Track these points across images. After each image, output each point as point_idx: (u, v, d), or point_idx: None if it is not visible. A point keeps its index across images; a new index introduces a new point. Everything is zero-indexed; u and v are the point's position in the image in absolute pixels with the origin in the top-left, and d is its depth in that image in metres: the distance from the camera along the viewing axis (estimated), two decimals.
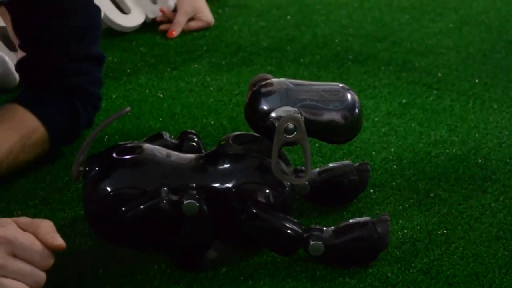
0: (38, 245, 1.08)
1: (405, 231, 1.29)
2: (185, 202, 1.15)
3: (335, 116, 1.21)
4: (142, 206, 1.15)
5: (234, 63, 1.85)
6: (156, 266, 1.20)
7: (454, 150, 1.51)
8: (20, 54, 1.72)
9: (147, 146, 1.22)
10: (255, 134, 1.24)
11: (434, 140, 1.54)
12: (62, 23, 1.42)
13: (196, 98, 1.69)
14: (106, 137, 1.52)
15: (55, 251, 1.09)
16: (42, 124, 1.40)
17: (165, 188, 1.16)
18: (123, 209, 1.15)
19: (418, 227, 1.29)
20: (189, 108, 1.65)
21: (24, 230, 1.09)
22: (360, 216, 1.29)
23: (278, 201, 1.19)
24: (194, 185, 1.17)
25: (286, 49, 1.93)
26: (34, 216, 1.30)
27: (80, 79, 1.46)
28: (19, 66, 1.48)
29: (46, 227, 1.10)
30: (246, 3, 2.19)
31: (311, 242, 1.19)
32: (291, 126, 1.17)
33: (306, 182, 1.30)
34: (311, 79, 1.77)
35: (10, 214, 1.30)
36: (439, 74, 1.81)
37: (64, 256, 1.11)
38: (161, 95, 1.70)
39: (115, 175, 1.18)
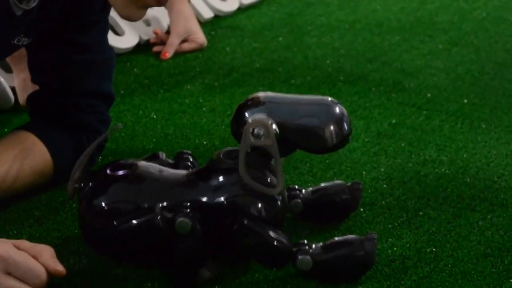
0: (31, 263, 1.10)
1: (395, 249, 1.31)
2: (178, 220, 1.17)
3: (319, 125, 1.21)
4: (135, 221, 1.17)
5: (226, 84, 1.88)
6: (149, 284, 1.22)
7: (443, 170, 1.54)
8: (17, 76, 1.74)
9: (141, 163, 1.24)
10: None
11: (423, 160, 1.57)
12: (76, 58, 1.43)
13: (189, 119, 1.72)
14: (100, 157, 1.54)
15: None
16: (49, 153, 1.42)
17: (160, 205, 1.18)
18: (116, 223, 1.17)
19: (408, 245, 1.32)
20: (182, 129, 1.67)
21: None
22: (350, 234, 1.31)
23: (269, 214, 1.21)
24: (187, 200, 1.19)
25: (278, 71, 1.95)
26: (30, 236, 1.32)
27: (91, 117, 1.47)
28: (30, 99, 1.49)
29: (49, 252, 1.12)
30: (238, 25, 2.22)
31: (300, 257, 1.21)
32: (259, 131, 1.18)
33: (299, 200, 1.32)
34: None
35: (6, 234, 1.31)
36: (429, 95, 1.83)
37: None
38: (155, 116, 1.72)
39: (109, 190, 1.20)
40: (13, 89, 1.74)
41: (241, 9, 2.30)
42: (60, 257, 1.17)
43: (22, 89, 1.73)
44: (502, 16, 2.28)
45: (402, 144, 1.62)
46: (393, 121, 1.72)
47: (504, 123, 1.71)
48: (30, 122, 1.48)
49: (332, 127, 1.21)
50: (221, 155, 1.23)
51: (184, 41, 2.04)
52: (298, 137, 1.21)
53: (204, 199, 1.20)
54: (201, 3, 2.24)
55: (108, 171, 1.22)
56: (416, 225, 1.37)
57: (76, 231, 1.33)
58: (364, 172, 1.52)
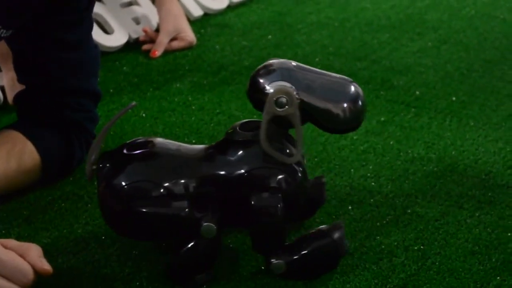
0: (18, 262, 1.10)
1: (383, 247, 1.31)
2: (204, 224, 1.17)
3: (335, 104, 1.21)
4: (162, 208, 1.17)
5: (216, 83, 1.88)
6: (138, 283, 1.22)
7: (431, 167, 1.54)
8: (5, 75, 1.74)
9: (157, 140, 1.23)
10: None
11: (412, 157, 1.57)
12: (62, 56, 1.43)
13: (178, 117, 1.72)
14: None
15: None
16: (37, 152, 1.42)
17: (183, 184, 1.18)
18: (140, 204, 1.17)
19: (395, 243, 1.32)
20: (171, 127, 1.68)
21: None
22: None
23: (289, 187, 1.20)
24: (206, 176, 1.19)
25: None
26: (18, 235, 1.32)
27: (79, 115, 1.47)
28: (17, 98, 1.49)
29: (36, 251, 1.12)
30: (228, 23, 2.22)
31: (273, 261, 1.21)
32: (283, 99, 1.18)
33: None
34: None
35: None
36: (417, 93, 1.84)
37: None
38: (144, 115, 1.72)
39: (128, 169, 1.19)
40: (1, 88, 1.74)
41: (231, 7, 2.30)
42: (48, 256, 1.17)
43: (10, 88, 1.72)
44: (491, 14, 2.29)
45: (391, 142, 1.63)
46: (382, 118, 1.72)
47: (492, 121, 1.72)
48: (18, 121, 1.48)
49: (347, 106, 1.21)
50: (237, 128, 1.23)
51: (173, 39, 2.04)
52: (312, 111, 1.21)
53: (223, 172, 1.19)
54: (190, 1, 2.23)
55: (125, 151, 1.21)
56: (404, 222, 1.37)
57: (65, 230, 1.34)
58: (352, 170, 1.52)
